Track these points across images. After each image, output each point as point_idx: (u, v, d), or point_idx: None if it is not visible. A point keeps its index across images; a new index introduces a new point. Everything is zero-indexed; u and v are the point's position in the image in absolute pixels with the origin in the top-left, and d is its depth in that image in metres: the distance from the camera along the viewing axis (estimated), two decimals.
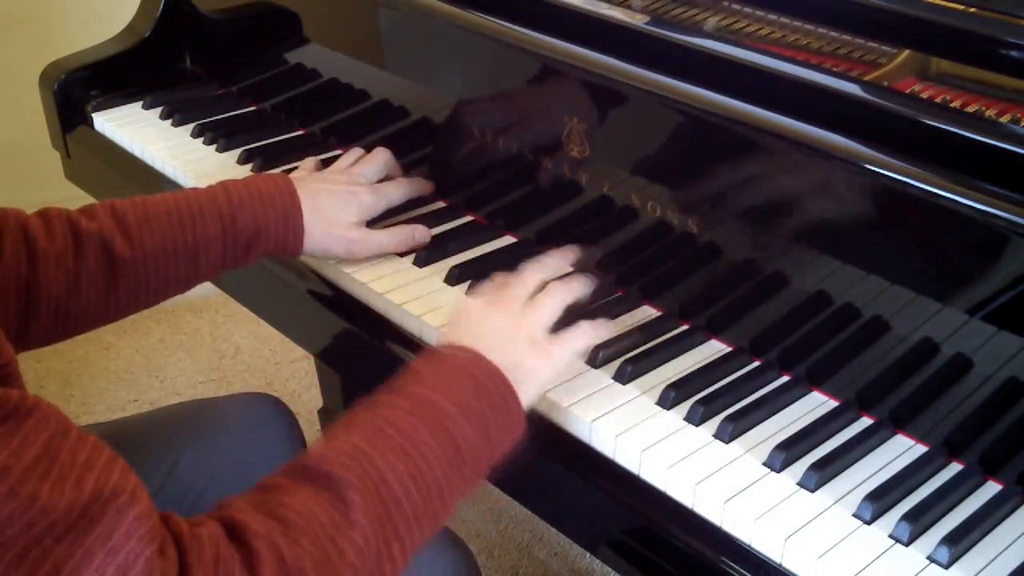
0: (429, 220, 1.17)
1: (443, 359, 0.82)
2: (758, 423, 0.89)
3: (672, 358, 0.96)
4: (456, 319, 0.89)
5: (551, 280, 0.93)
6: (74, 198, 1.23)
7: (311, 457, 0.72)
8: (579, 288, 0.94)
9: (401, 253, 1.10)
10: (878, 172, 0.82)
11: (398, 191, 1.13)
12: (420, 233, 1.11)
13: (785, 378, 0.94)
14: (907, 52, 0.94)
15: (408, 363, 0.82)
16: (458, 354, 0.82)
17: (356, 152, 1.18)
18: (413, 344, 1.01)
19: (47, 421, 0.60)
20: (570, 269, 0.95)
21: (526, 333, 0.86)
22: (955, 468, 0.85)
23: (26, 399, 0.60)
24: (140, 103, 1.44)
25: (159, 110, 1.42)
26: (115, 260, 0.94)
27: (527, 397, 0.84)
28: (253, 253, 1.03)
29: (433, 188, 1.19)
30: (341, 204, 1.07)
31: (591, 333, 0.91)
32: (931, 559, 0.77)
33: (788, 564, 0.78)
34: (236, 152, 1.32)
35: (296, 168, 1.19)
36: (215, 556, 0.63)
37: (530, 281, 0.92)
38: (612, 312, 1.00)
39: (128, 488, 0.61)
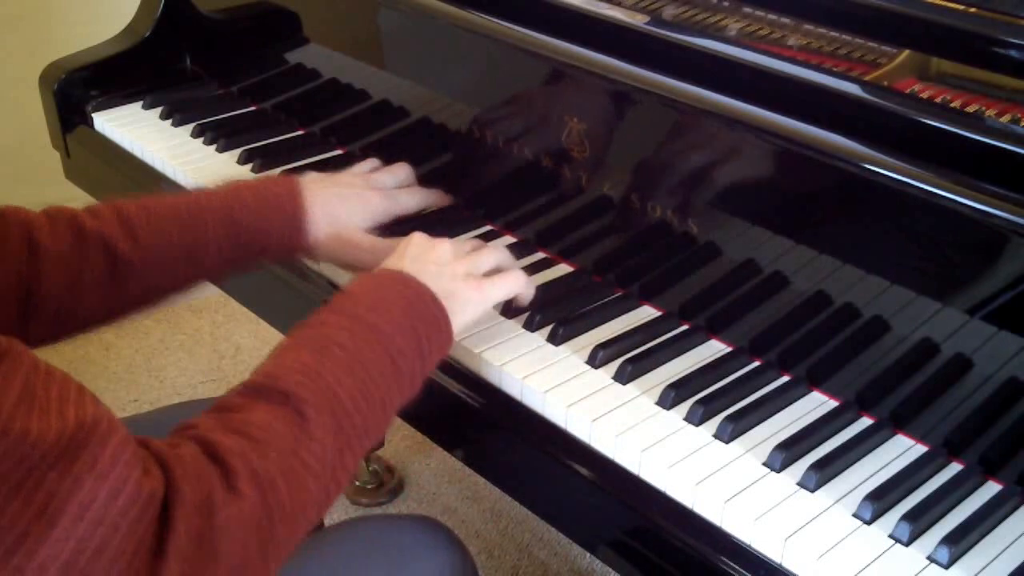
0: (429, 220, 1.17)
1: (377, 282, 0.87)
2: (758, 423, 0.89)
3: (672, 358, 0.96)
4: (402, 248, 0.93)
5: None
6: (74, 198, 1.22)
7: (264, 375, 0.75)
8: (513, 262, 1.00)
9: None
10: (878, 172, 0.82)
11: (413, 198, 1.13)
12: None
13: (785, 378, 0.94)
14: (907, 52, 0.94)
15: (345, 287, 0.86)
16: (392, 277, 0.87)
17: (374, 161, 1.17)
18: None
19: (20, 358, 0.61)
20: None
21: (463, 269, 0.92)
22: (955, 468, 0.85)
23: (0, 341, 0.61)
24: (140, 103, 1.44)
25: (159, 110, 1.42)
26: (118, 260, 0.94)
27: (459, 323, 0.89)
28: (257, 257, 1.02)
29: (452, 201, 1.18)
30: (350, 208, 1.06)
31: (523, 280, 0.97)
32: (931, 559, 0.77)
33: (788, 564, 0.78)
34: (236, 152, 1.32)
35: (302, 169, 1.19)
36: (197, 473, 0.65)
37: (475, 242, 0.98)
38: (598, 320, 1.00)
39: (105, 416, 0.63)
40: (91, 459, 0.60)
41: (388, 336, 0.81)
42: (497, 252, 0.98)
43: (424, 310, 0.85)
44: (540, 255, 1.11)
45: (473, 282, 0.92)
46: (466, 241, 0.98)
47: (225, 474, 0.67)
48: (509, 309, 1.01)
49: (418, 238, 0.94)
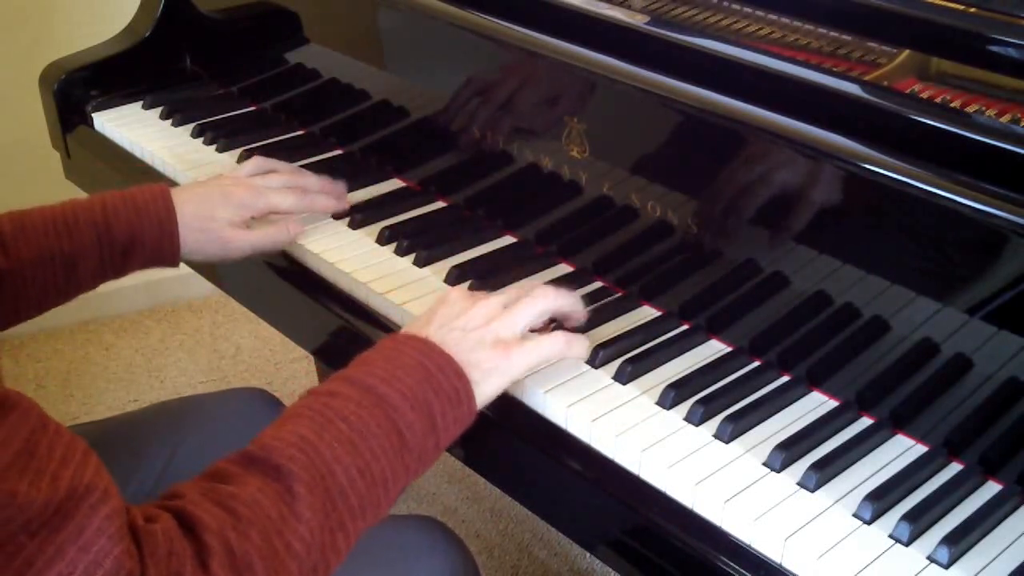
0: (429, 220, 1.17)
1: (397, 348, 0.82)
2: (758, 423, 0.89)
3: (672, 358, 0.96)
4: (435, 306, 0.88)
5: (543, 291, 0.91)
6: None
7: (260, 447, 0.73)
8: (568, 302, 0.93)
9: (402, 254, 1.10)
10: (878, 172, 0.82)
11: (284, 197, 1.11)
12: (293, 227, 1.11)
13: (785, 378, 0.94)
14: (907, 52, 0.94)
15: (366, 352, 0.82)
16: (413, 344, 0.82)
17: (258, 159, 1.17)
18: None
19: (27, 415, 0.61)
20: (570, 306, 0.94)
21: (494, 333, 0.85)
22: (955, 468, 0.85)
23: (8, 394, 0.61)
24: (140, 103, 1.44)
25: (159, 110, 1.42)
26: None
27: (483, 394, 0.84)
28: (131, 262, 1.04)
29: (343, 207, 1.17)
30: (214, 204, 1.07)
31: (562, 344, 0.89)
32: (931, 559, 0.77)
33: (788, 564, 0.78)
34: (236, 152, 1.32)
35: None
36: (168, 551, 0.64)
37: (531, 306, 0.90)
38: (598, 321, 0.99)
39: (101, 485, 0.62)
40: (77, 529, 0.60)
41: (398, 409, 0.77)
42: (538, 304, 0.89)
43: (443, 383, 0.80)
44: (540, 255, 1.11)
45: (501, 350, 0.84)
46: (508, 291, 0.91)
47: (199, 551, 0.65)
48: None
49: (454, 296, 0.88)
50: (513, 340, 0.86)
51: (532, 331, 0.91)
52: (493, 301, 0.88)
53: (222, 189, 1.09)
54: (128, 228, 1.02)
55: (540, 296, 0.90)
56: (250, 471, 0.71)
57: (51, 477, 0.59)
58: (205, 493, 0.69)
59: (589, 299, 1.03)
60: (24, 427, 0.60)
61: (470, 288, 1.04)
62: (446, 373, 0.81)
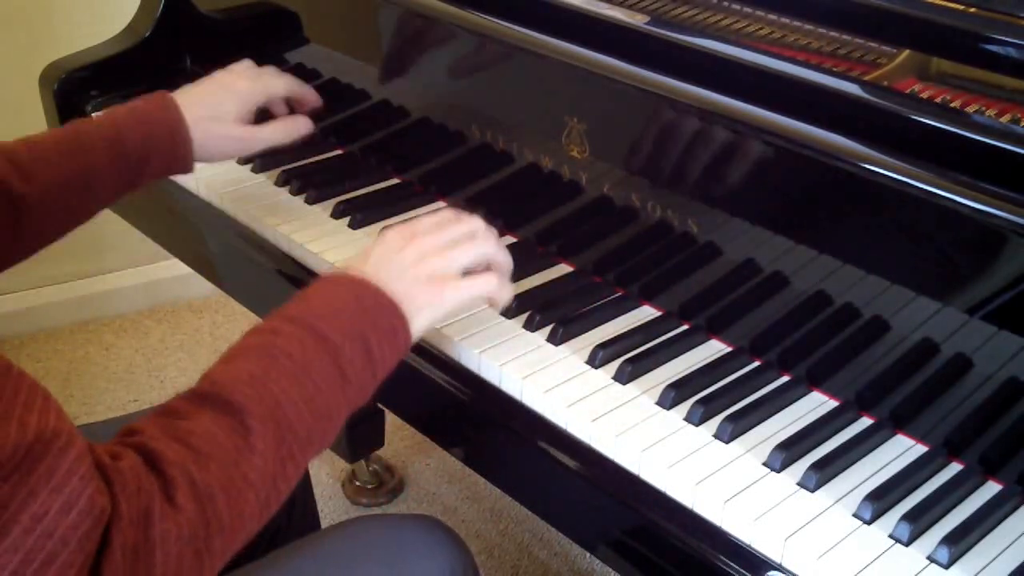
0: None
1: (335, 286, 0.85)
2: (758, 423, 0.89)
3: (672, 358, 0.96)
4: (372, 245, 0.91)
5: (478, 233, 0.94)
6: None
7: (212, 383, 0.75)
8: (504, 257, 0.95)
9: None
10: (878, 172, 0.82)
11: (280, 80, 1.17)
12: (303, 123, 1.17)
13: (785, 378, 0.94)
14: (907, 52, 0.94)
15: (302, 290, 0.85)
16: (350, 281, 0.85)
17: (247, 62, 1.20)
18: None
19: None
20: (504, 258, 0.95)
21: (429, 269, 0.88)
22: (955, 468, 0.85)
23: None
24: None
25: None
26: (14, 199, 0.96)
27: (417, 327, 0.86)
28: (146, 173, 1.05)
29: (319, 100, 1.23)
30: (218, 100, 1.10)
31: (494, 285, 0.92)
32: (931, 559, 0.77)
33: (788, 564, 0.78)
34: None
35: (304, 169, 1.20)
36: (137, 487, 0.66)
37: (457, 230, 0.93)
38: (598, 320, 1.00)
39: (66, 429, 0.63)
40: (47, 472, 0.60)
41: (337, 346, 0.80)
42: (477, 247, 0.92)
43: (378, 318, 0.83)
44: (540, 255, 1.11)
45: (436, 285, 0.88)
46: (449, 231, 0.92)
47: (164, 485, 0.67)
48: (508, 309, 1.01)
49: (390, 235, 0.91)
50: (447, 277, 0.89)
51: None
52: (431, 240, 0.90)
53: (222, 84, 1.12)
54: (140, 139, 1.03)
55: (480, 241, 0.93)
56: (203, 407, 0.73)
57: (18, 421, 0.60)
58: (163, 429, 0.71)
59: (588, 298, 1.03)
60: None
61: None
62: (382, 308, 0.84)
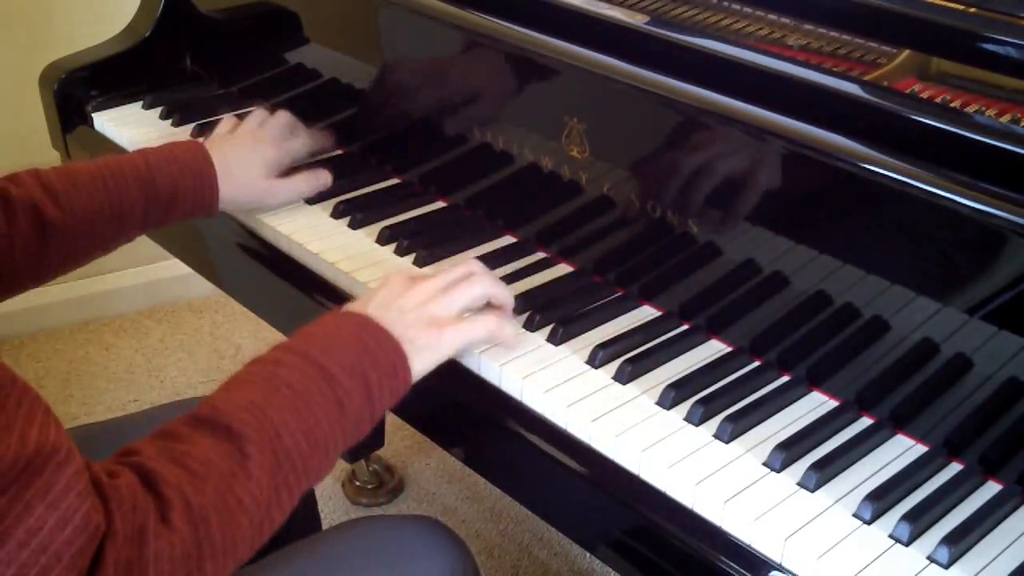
0: (429, 220, 1.17)
1: (338, 323, 0.87)
2: (758, 423, 0.89)
3: (672, 358, 0.96)
4: (376, 288, 0.93)
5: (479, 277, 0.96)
6: None
7: (211, 409, 0.76)
8: (502, 292, 0.97)
9: (401, 254, 1.10)
10: (878, 172, 0.82)
11: (301, 144, 1.23)
12: (323, 176, 1.20)
13: (785, 378, 0.94)
14: (907, 52, 0.94)
15: (307, 325, 0.87)
16: (353, 319, 0.88)
17: (262, 113, 1.25)
18: None
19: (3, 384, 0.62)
20: (504, 296, 0.97)
21: (430, 313, 0.90)
22: (955, 468, 0.85)
23: None
24: (140, 103, 1.44)
25: (159, 110, 1.42)
26: (45, 224, 0.99)
27: (417, 368, 0.88)
28: (173, 213, 1.09)
29: (332, 140, 1.30)
30: (247, 160, 1.15)
31: (493, 326, 0.93)
32: (931, 559, 0.77)
33: (788, 564, 0.78)
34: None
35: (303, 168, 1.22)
36: (133, 505, 0.66)
37: (456, 273, 0.95)
38: (598, 320, 1.00)
39: (65, 444, 0.63)
40: (45, 486, 0.61)
41: (338, 380, 0.81)
42: (474, 289, 0.94)
43: (380, 356, 0.85)
44: (540, 255, 1.11)
45: (435, 329, 0.90)
46: (450, 275, 0.95)
47: (160, 505, 0.68)
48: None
49: (393, 281, 0.93)
50: (447, 320, 0.91)
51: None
52: (431, 284, 0.93)
53: (251, 145, 1.17)
54: (170, 181, 1.07)
55: (477, 282, 0.95)
56: (201, 431, 0.74)
57: (19, 434, 0.61)
58: (161, 450, 0.72)
59: (588, 298, 1.03)
60: None
61: None
62: (383, 347, 0.86)
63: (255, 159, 1.15)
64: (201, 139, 1.18)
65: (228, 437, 0.74)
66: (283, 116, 1.25)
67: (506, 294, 0.97)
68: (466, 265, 0.97)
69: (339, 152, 1.32)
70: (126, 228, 1.06)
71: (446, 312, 0.92)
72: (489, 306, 0.97)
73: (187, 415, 0.76)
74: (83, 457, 0.65)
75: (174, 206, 1.08)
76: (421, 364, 0.88)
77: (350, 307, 0.91)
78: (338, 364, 0.82)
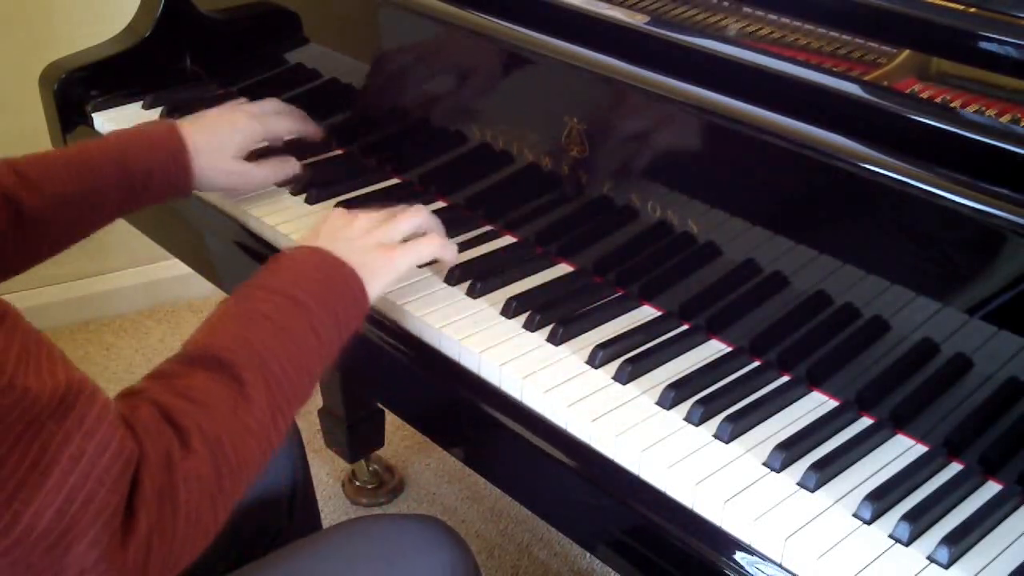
0: None
1: (296, 259, 0.92)
2: (758, 423, 0.89)
3: (672, 358, 0.96)
4: (317, 225, 0.99)
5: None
6: None
7: (199, 346, 0.80)
8: (437, 224, 1.04)
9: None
10: (878, 172, 0.82)
11: (282, 122, 1.22)
12: (292, 165, 1.21)
13: (785, 378, 0.94)
14: (907, 52, 0.94)
15: (265, 265, 0.91)
16: (310, 253, 0.92)
17: (242, 100, 1.26)
18: (412, 342, 1.01)
19: (17, 320, 0.66)
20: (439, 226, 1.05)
21: (375, 240, 0.97)
22: (955, 468, 0.85)
23: None
24: (140, 103, 1.44)
25: (159, 110, 1.42)
26: (22, 213, 0.99)
27: (373, 291, 0.94)
28: (148, 195, 1.10)
29: (322, 133, 1.28)
30: (221, 136, 1.14)
31: (437, 244, 1.01)
32: (931, 559, 0.77)
33: (788, 564, 0.78)
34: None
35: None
36: (158, 433, 0.70)
37: (389, 209, 1.02)
38: (598, 320, 1.00)
39: (89, 381, 0.68)
40: (79, 417, 0.65)
41: (309, 309, 0.85)
42: (412, 218, 1.01)
43: (341, 284, 0.90)
44: (539, 255, 1.11)
45: (385, 251, 0.96)
46: (383, 211, 1.01)
47: (178, 433, 0.72)
48: (508, 308, 1.01)
49: (334, 215, 0.99)
50: (394, 244, 0.98)
51: None
52: (372, 215, 0.99)
53: (226, 119, 1.16)
54: (144, 163, 1.08)
55: (414, 212, 1.02)
56: (195, 367, 0.78)
57: (50, 372, 0.65)
58: (164, 387, 0.75)
59: (588, 298, 1.03)
60: (17, 331, 0.65)
61: (471, 287, 1.04)
62: (343, 276, 0.91)
63: (227, 135, 1.15)
64: (175, 118, 1.18)
65: (221, 368, 0.77)
66: (269, 101, 1.25)
67: (438, 221, 1.04)
68: (397, 205, 1.03)
69: (339, 152, 1.32)
70: (102, 212, 1.07)
71: (390, 238, 0.98)
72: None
73: (176, 356, 0.80)
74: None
75: (149, 187, 1.09)
76: (377, 287, 0.94)
77: (300, 244, 0.96)
78: (308, 295, 0.86)
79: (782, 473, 0.84)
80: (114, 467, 0.66)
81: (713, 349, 0.98)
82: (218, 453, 0.73)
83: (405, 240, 1.00)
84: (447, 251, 1.03)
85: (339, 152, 1.32)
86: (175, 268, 2.11)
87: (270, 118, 1.21)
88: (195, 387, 0.76)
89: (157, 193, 1.10)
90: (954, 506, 0.81)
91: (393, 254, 0.97)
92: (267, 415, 0.78)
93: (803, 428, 0.88)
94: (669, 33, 1.00)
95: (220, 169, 1.14)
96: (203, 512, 0.72)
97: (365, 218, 0.99)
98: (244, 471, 0.76)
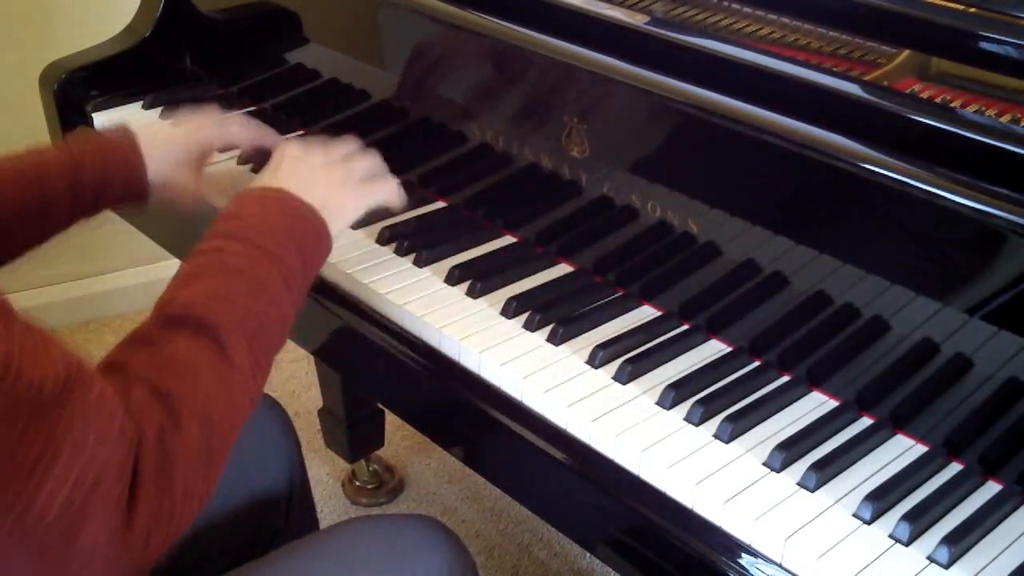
0: (429, 220, 1.17)
1: (262, 203, 0.91)
2: (758, 423, 0.89)
3: (672, 358, 0.96)
4: (276, 161, 0.98)
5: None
6: None
7: (178, 306, 0.80)
8: (383, 165, 1.05)
9: (402, 254, 1.10)
10: (878, 172, 0.82)
11: (243, 128, 1.18)
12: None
13: (785, 378, 0.94)
14: (907, 52, 0.94)
15: (229, 208, 0.90)
16: (274, 196, 0.92)
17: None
18: (412, 342, 1.01)
19: (9, 310, 0.66)
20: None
21: (339, 176, 0.98)
22: (955, 468, 0.85)
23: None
24: (140, 103, 1.44)
25: (159, 110, 1.42)
26: None
27: (336, 229, 0.94)
28: (101, 202, 1.07)
29: (272, 134, 1.21)
30: (176, 142, 1.12)
31: (393, 186, 1.04)
32: (931, 559, 0.77)
33: (788, 564, 0.78)
34: (236, 152, 1.31)
35: None
36: (149, 411, 0.71)
37: (345, 145, 1.03)
38: (598, 321, 1.00)
39: (86, 366, 0.68)
40: (81, 402, 0.65)
41: (279, 258, 0.86)
42: (371, 158, 1.03)
43: (305, 227, 0.91)
44: (540, 255, 1.11)
45: (349, 190, 0.98)
46: (338, 145, 1.02)
47: (169, 410, 0.72)
48: (508, 309, 1.01)
49: (290, 149, 0.98)
50: (353, 182, 0.99)
51: None
52: (329, 152, 1.00)
53: (184, 129, 1.14)
54: (97, 172, 1.05)
55: (370, 153, 1.04)
56: (176, 331, 0.78)
57: (48, 359, 0.64)
58: (147, 360, 0.75)
59: (588, 298, 1.03)
60: (15, 321, 0.65)
61: (469, 289, 1.04)
62: (306, 218, 0.91)
63: (183, 143, 1.12)
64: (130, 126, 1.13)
65: (203, 331, 0.77)
66: (236, 115, 1.23)
67: (387, 170, 1.06)
68: (350, 140, 1.05)
69: None
70: (54, 221, 1.04)
71: (352, 175, 0.99)
72: None
73: (155, 316, 0.80)
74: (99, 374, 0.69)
75: (102, 195, 1.06)
76: (339, 224, 0.95)
77: (261, 183, 0.95)
78: (277, 244, 0.87)
79: (782, 473, 0.84)
80: (118, 451, 0.66)
81: (713, 349, 0.98)
82: (206, 426, 0.74)
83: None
84: (396, 198, 1.05)
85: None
86: (175, 268, 2.10)
87: (231, 126, 1.17)
88: (178, 356, 0.76)
89: (111, 199, 1.08)
90: (954, 506, 0.81)
91: (353, 194, 0.98)
92: (248, 375, 0.79)
93: (803, 428, 0.88)
94: (669, 33, 1.00)
95: (173, 179, 1.10)
96: (196, 484, 0.73)
97: (327, 152, 0.99)
98: (231, 435, 0.78)
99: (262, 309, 0.82)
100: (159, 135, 1.11)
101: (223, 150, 1.20)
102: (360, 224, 1.10)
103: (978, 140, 0.81)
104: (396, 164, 1.25)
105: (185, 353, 0.76)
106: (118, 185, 1.07)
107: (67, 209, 1.05)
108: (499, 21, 1.07)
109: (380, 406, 1.76)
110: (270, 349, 0.83)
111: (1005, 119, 0.85)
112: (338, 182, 0.97)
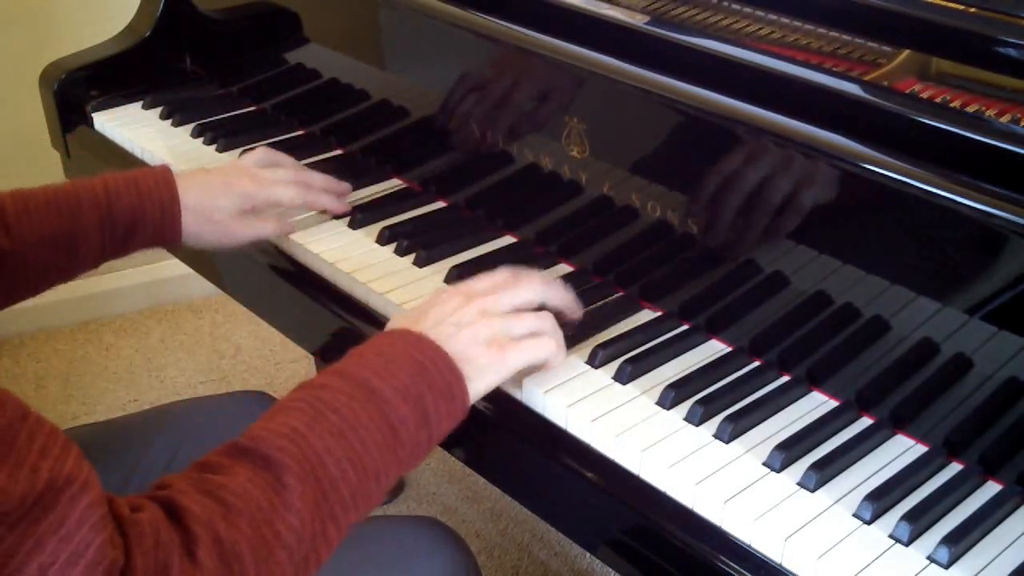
0: (429, 220, 1.17)
1: (391, 343, 0.82)
2: (758, 423, 0.89)
3: (672, 358, 0.96)
4: (428, 303, 0.88)
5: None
6: None
7: (250, 438, 0.73)
8: (560, 296, 0.93)
9: (401, 254, 1.10)
10: (878, 172, 0.82)
11: (286, 191, 1.11)
12: (288, 224, 1.13)
13: (785, 378, 0.94)
14: (907, 52, 0.94)
15: (356, 346, 0.82)
16: (407, 338, 0.82)
17: (265, 150, 1.18)
18: None
19: (5, 406, 0.60)
20: (561, 300, 0.94)
21: (489, 332, 0.85)
22: (955, 468, 0.85)
23: None
24: (140, 103, 1.44)
25: (159, 110, 1.42)
26: None
27: (476, 390, 0.84)
28: (132, 243, 1.05)
29: (344, 208, 1.17)
30: (216, 193, 1.07)
31: (553, 349, 0.89)
32: (931, 559, 0.77)
33: (788, 564, 0.78)
34: (236, 152, 1.32)
35: None
36: (155, 541, 0.64)
37: (521, 291, 0.90)
38: (599, 321, 0.99)
39: (81, 476, 0.61)
40: (57, 520, 0.59)
41: (390, 403, 0.77)
42: (536, 318, 0.89)
43: (436, 377, 0.80)
44: (540, 255, 1.11)
45: (496, 349, 0.85)
46: (512, 286, 0.90)
47: (186, 540, 0.65)
48: None
49: (446, 295, 0.88)
50: (506, 338, 0.86)
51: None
52: (488, 301, 0.88)
53: (225, 178, 1.09)
54: (130, 210, 1.02)
55: (528, 288, 0.90)
56: (240, 461, 0.71)
57: (30, 468, 0.59)
58: (194, 483, 0.69)
59: (588, 298, 1.03)
60: (2, 418, 0.59)
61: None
62: (439, 368, 0.81)
63: (225, 198, 1.08)
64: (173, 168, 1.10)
65: (266, 466, 0.70)
66: (264, 150, 1.17)
67: (564, 297, 0.93)
68: (529, 281, 0.91)
69: (339, 152, 1.32)
70: (81, 257, 1.01)
71: (504, 334, 0.86)
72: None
73: (227, 444, 0.73)
74: (106, 492, 0.63)
75: (133, 236, 1.03)
76: (480, 385, 0.84)
77: (401, 324, 0.85)
78: (391, 387, 0.77)
79: (782, 473, 0.84)
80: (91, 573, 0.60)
81: (713, 349, 0.98)
82: (235, 567, 0.66)
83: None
84: (559, 358, 0.90)
85: (339, 152, 1.32)
86: (175, 268, 2.11)
87: (275, 185, 1.11)
88: (230, 487, 0.69)
89: (142, 241, 1.05)
90: (954, 506, 0.81)
91: (504, 352, 0.85)
92: (312, 525, 0.71)
93: (803, 428, 0.88)
94: (669, 33, 1.00)
95: (213, 223, 1.07)
96: None
97: (482, 301, 0.87)
98: None
99: (349, 457, 0.73)
100: (198, 186, 1.07)
101: (264, 207, 1.11)
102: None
103: (978, 140, 0.81)
104: (396, 164, 1.26)
105: (237, 484, 0.69)
106: (150, 227, 1.04)
107: (96, 245, 1.01)
108: (499, 21, 1.07)
109: None
110: (351, 504, 0.74)
111: (1005, 119, 0.85)
112: (489, 337, 0.85)
